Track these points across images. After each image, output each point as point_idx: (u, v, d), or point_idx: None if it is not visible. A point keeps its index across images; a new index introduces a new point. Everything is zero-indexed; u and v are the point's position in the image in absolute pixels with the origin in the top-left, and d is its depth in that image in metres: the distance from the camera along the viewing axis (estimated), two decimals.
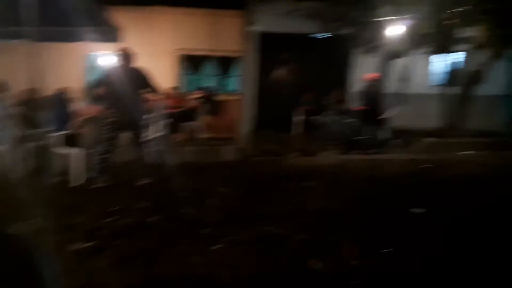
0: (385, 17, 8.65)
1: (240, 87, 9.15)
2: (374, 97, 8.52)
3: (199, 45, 10.39)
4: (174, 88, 9.40)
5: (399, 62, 10.53)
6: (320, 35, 10.59)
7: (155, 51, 8.83)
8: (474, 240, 3.63)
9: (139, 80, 5.33)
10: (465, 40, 9.52)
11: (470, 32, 9.42)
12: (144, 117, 5.48)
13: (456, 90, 10.19)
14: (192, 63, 10.78)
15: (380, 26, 8.93)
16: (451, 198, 5.11)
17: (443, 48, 9.70)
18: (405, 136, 9.22)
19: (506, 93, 11.60)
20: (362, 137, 8.55)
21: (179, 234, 3.71)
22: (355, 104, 9.35)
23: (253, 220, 4.08)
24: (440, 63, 11.14)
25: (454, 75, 10.46)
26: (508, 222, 4.15)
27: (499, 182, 6.07)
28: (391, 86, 10.29)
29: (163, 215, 4.17)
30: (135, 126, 5.28)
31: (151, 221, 4.03)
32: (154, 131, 6.11)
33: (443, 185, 5.81)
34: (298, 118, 9.80)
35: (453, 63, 10.96)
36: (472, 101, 10.11)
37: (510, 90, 11.72)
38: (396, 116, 9.03)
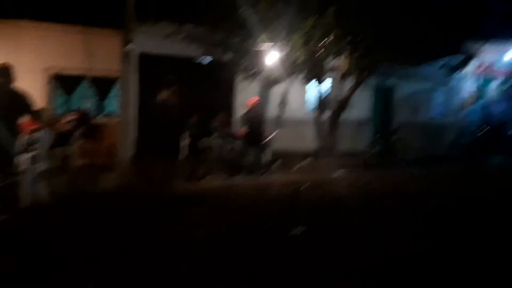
0: (263, 45, 9.10)
1: (119, 109, 8.67)
2: (256, 121, 8.82)
3: (73, 64, 9.64)
4: (44, 110, 8.53)
5: (279, 88, 11.15)
6: (204, 59, 10.69)
7: (20, 69, 7.92)
8: (355, 258, 3.90)
9: (17, 103, 4.64)
10: (333, 69, 10.52)
11: (337, 62, 10.45)
12: (15, 143, 4.77)
13: (328, 115, 11.13)
14: (65, 83, 9.93)
15: (259, 53, 9.36)
16: (328, 216, 5.47)
17: (315, 76, 10.56)
18: (285, 158, 9.71)
19: (369, 117, 13.06)
20: (246, 160, 8.75)
21: (45, 275, 3.26)
22: (239, 128, 9.57)
23: (131, 253, 3.81)
24: (315, 90, 12.08)
25: (326, 101, 11.43)
26: (381, 237, 4.58)
27: (366, 199, 6.72)
28: (272, 111, 10.79)
29: (25, 255, 3.65)
30: (3, 154, 4.56)
31: (8, 264, 3.48)
32: (24, 158, 5.41)
33: (320, 205, 6.21)
34: (184, 142, 9.65)
35: (325, 90, 11.98)
36: (341, 125, 11.13)
37: (372, 114, 13.23)
38: (276, 139, 9.46)
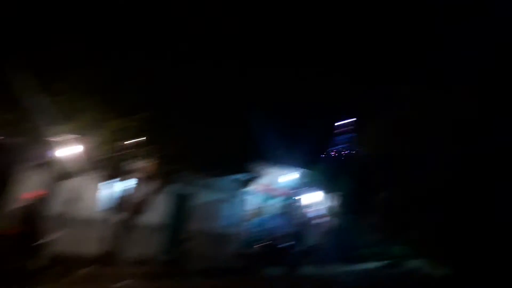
0: (62, 135, 8.31)
1: None
2: (33, 218, 7.50)
3: None
4: None
5: (71, 183, 10.04)
6: None
7: None
8: None
9: None
10: (136, 170, 10.21)
11: (141, 164, 10.24)
12: None
13: (123, 216, 10.41)
14: None
15: (55, 143, 8.44)
16: None
17: (116, 175, 10.04)
18: (67, 263, 8.36)
19: (165, 223, 12.72)
20: (12, 264, 7.13)
21: None
22: (9, 225, 7.92)
23: None
24: (113, 189, 11.34)
25: (123, 201, 10.77)
26: None
27: None
28: (58, 207, 9.49)
29: None
30: None
31: None
32: None
33: None
34: None
35: (124, 190, 11.37)
36: (136, 229, 10.53)
37: (168, 220, 12.95)
38: (59, 241, 8.15)
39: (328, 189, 18.09)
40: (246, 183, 15.10)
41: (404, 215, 8.06)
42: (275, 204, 17.30)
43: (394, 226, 8.41)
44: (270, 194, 17.09)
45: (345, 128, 18.90)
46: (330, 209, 18.74)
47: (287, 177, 17.18)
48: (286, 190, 17.66)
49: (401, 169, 8.17)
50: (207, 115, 9.96)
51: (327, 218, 18.47)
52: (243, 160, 12.94)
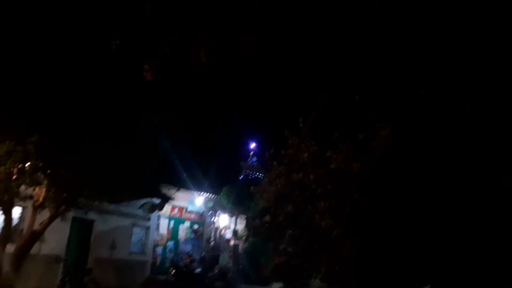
0: None
1: None
2: None
3: None
4: None
5: None
6: None
7: None
8: None
9: None
10: (26, 198, 9.27)
11: (32, 191, 9.34)
12: None
13: (15, 247, 9.36)
14: None
15: None
16: None
17: (3, 202, 9.01)
18: None
19: (64, 253, 11.66)
20: None
21: None
22: None
23: None
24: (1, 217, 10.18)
25: (12, 232, 9.71)
26: None
27: None
28: None
29: None
30: None
31: None
32: None
33: None
34: None
35: (15, 218, 10.28)
36: (29, 261, 9.52)
37: (68, 250, 11.90)
38: None
39: (238, 213, 18.19)
40: (156, 207, 14.62)
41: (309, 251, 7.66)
42: (186, 229, 16.95)
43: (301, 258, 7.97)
44: (181, 219, 16.72)
45: (254, 153, 19.29)
46: (241, 232, 18.79)
47: (197, 201, 17.00)
48: (197, 214, 17.42)
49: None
50: (110, 137, 9.39)
51: (238, 242, 18.50)
52: (152, 184, 12.48)
